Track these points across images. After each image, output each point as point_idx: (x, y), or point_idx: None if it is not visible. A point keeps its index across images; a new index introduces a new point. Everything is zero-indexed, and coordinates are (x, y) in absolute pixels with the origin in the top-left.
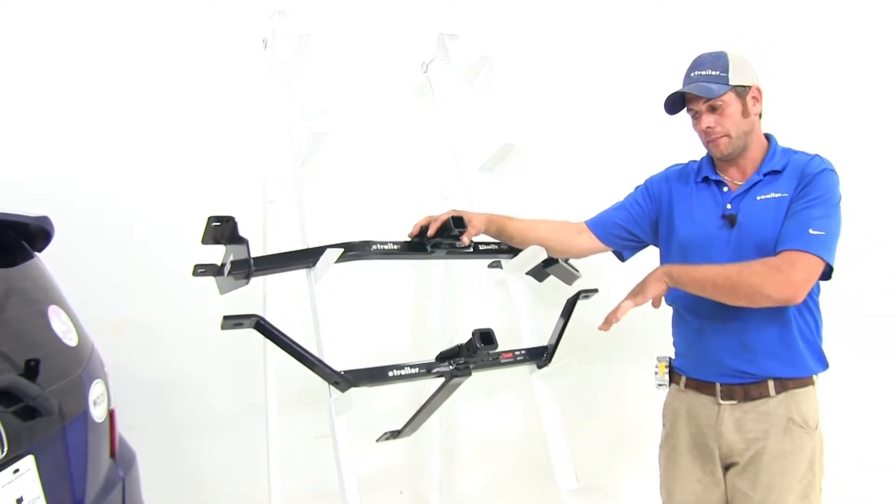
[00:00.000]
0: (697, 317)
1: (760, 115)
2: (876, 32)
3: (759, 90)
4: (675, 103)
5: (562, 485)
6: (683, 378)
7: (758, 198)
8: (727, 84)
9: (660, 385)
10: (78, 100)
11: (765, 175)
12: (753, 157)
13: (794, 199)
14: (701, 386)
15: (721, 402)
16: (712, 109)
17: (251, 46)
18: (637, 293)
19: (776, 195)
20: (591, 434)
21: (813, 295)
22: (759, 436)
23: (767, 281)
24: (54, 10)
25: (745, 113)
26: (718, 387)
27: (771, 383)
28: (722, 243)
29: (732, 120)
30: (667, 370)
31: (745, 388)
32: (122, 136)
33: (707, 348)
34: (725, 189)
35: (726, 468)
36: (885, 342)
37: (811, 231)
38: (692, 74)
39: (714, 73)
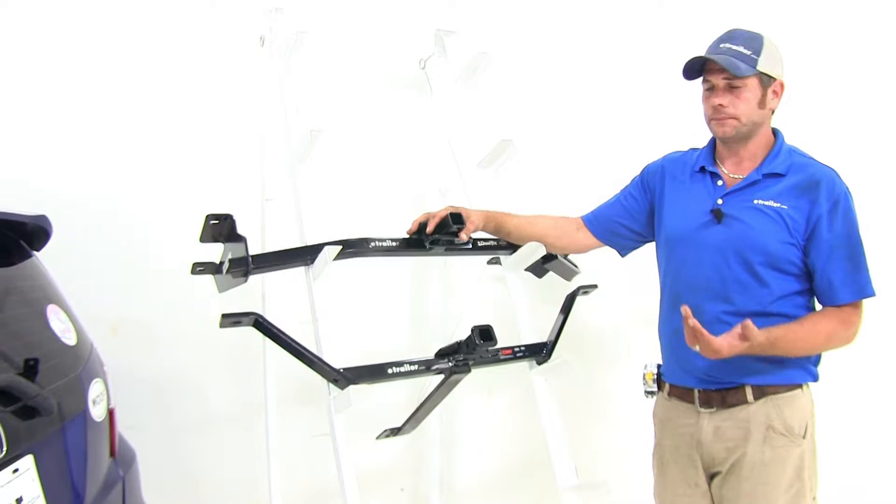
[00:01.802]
0: (675, 317)
1: (773, 112)
2: (876, 37)
3: (782, 86)
4: (694, 70)
5: (561, 481)
6: (667, 385)
7: (755, 201)
8: (754, 67)
9: (648, 393)
10: (75, 98)
11: (764, 175)
12: (754, 151)
13: (821, 227)
14: (682, 393)
15: (700, 409)
16: (731, 88)
17: (248, 44)
18: (711, 349)
19: (775, 205)
20: (591, 430)
21: (798, 304)
22: (738, 444)
23: (847, 342)
24: (51, 9)
25: (761, 104)
26: (697, 393)
27: (748, 389)
28: (704, 240)
29: (747, 105)
30: (654, 378)
31: (723, 395)
32: (120, 134)
33: (683, 350)
34: (720, 183)
35: (711, 478)
36: (887, 344)
37: (865, 273)
38: (721, 46)
39: (746, 51)
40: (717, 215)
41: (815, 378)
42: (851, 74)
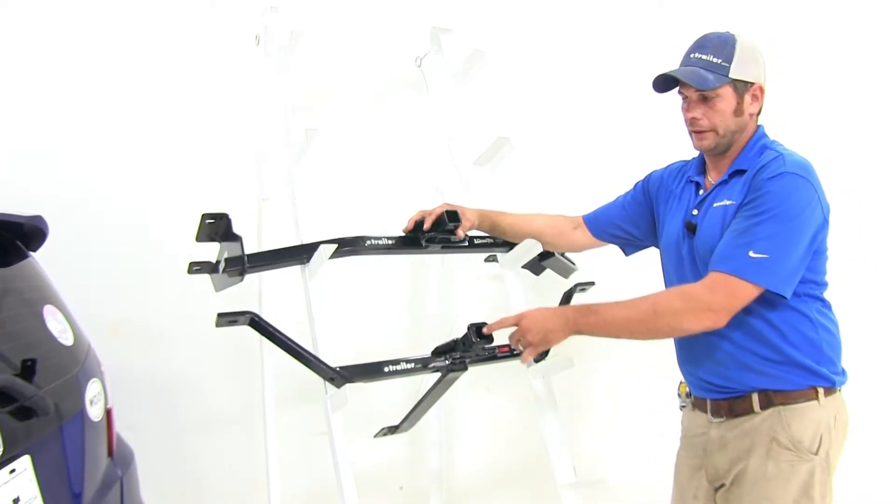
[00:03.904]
0: None
1: (759, 114)
2: (875, 46)
3: (761, 89)
4: (668, 81)
5: (559, 479)
6: (692, 397)
7: (714, 204)
8: (726, 76)
9: (682, 406)
10: (72, 98)
11: (730, 174)
12: (733, 155)
13: (740, 208)
14: (700, 403)
15: (712, 419)
16: (704, 100)
17: (245, 43)
18: (532, 343)
19: (727, 202)
20: (589, 427)
21: (806, 301)
22: (742, 455)
23: (685, 315)
24: (47, 9)
25: (738, 111)
26: (709, 403)
27: (755, 397)
28: (685, 252)
29: (722, 116)
30: (688, 390)
31: (730, 404)
32: (117, 134)
33: (687, 363)
34: (700, 192)
35: (717, 490)
36: None
37: (752, 254)
38: (692, 56)
39: (716, 60)
40: (689, 227)
41: (832, 383)
42: (852, 72)
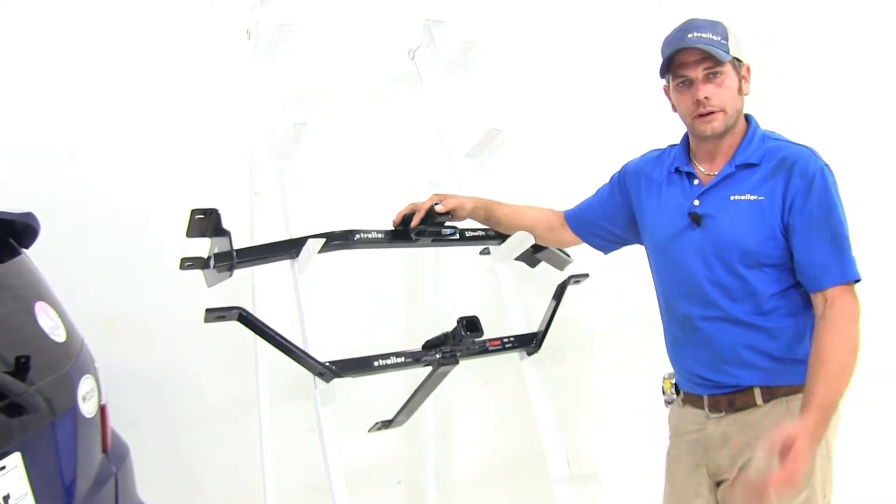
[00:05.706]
0: (671, 325)
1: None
2: (876, 45)
3: (748, 70)
4: (664, 63)
5: (553, 472)
6: (682, 393)
7: (731, 197)
8: (728, 53)
9: (668, 402)
10: (62, 94)
11: (737, 167)
12: (730, 144)
13: (796, 208)
14: (693, 399)
15: (710, 415)
16: (712, 77)
17: (236, 37)
18: (788, 474)
19: (752, 197)
20: (584, 422)
21: (797, 300)
22: (745, 449)
23: (858, 332)
24: (39, 8)
25: (740, 90)
26: (706, 399)
27: (757, 391)
28: (687, 245)
29: (730, 94)
30: (673, 386)
31: (730, 398)
32: (109, 130)
33: (682, 358)
34: (696, 182)
35: (718, 485)
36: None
37: (847, 256)
38: (689, 36)
39: (715, 38)
40: (695, 218)
41: None
42: (852, 72)
